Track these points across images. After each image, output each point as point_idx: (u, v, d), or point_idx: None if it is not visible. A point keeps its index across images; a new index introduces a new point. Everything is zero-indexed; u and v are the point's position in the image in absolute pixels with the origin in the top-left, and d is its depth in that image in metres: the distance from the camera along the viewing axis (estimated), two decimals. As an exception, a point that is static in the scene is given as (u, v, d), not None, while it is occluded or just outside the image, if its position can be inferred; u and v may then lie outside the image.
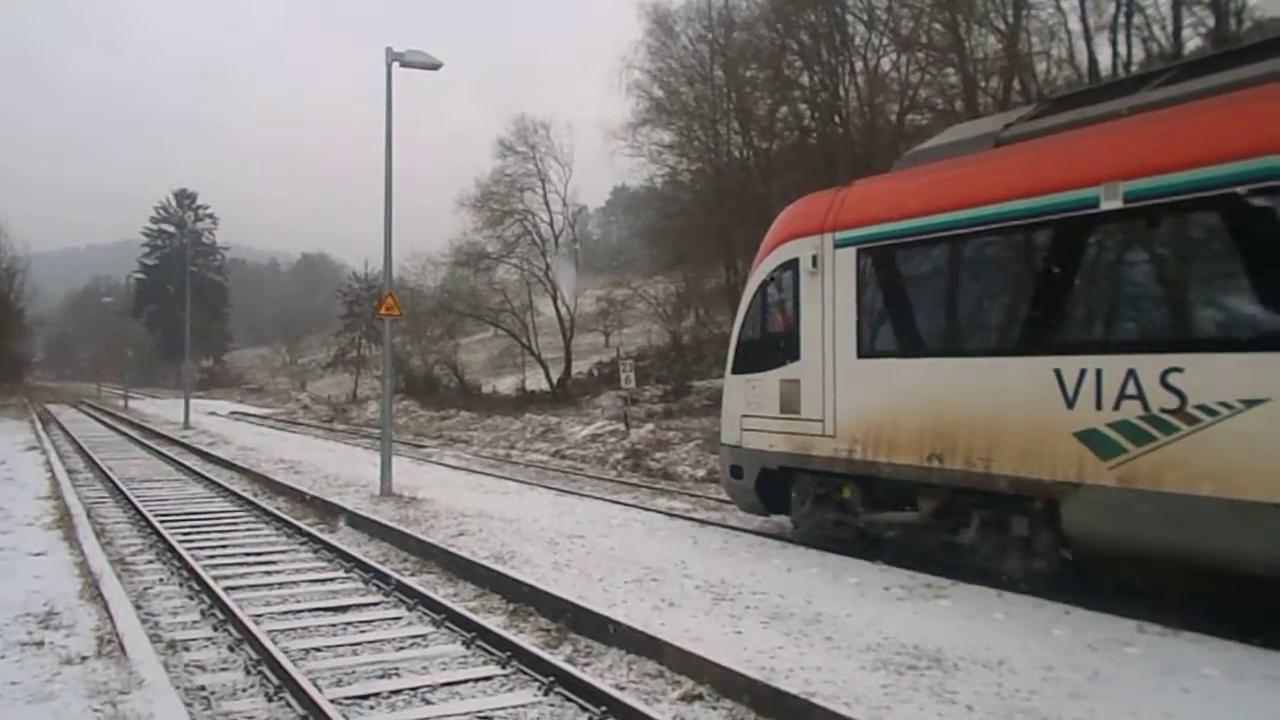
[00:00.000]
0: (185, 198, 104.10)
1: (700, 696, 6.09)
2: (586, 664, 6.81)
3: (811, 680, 5.78)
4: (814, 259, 9.97)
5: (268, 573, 10.13)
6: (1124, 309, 7.68)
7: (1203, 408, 6.64)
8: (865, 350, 9.45)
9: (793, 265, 10.32)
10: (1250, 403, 6.40)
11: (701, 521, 12.57)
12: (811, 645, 6.55)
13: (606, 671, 6.65)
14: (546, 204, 46.30)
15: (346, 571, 10.01)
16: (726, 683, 6.05)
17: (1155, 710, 5.27)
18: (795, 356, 10.22)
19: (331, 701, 5.95)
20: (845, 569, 8.87)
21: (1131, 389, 7.05)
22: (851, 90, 30.76)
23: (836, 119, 30.86)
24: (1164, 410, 6.85)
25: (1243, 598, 6.75)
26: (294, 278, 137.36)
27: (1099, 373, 7.27)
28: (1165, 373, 6.86)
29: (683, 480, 18.51)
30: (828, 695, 5.50)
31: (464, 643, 7.37)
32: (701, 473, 18.56)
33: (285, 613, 8.45)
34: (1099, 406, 7.25)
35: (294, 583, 9.64)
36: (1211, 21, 22.59)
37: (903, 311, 9.32)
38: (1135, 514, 7.05)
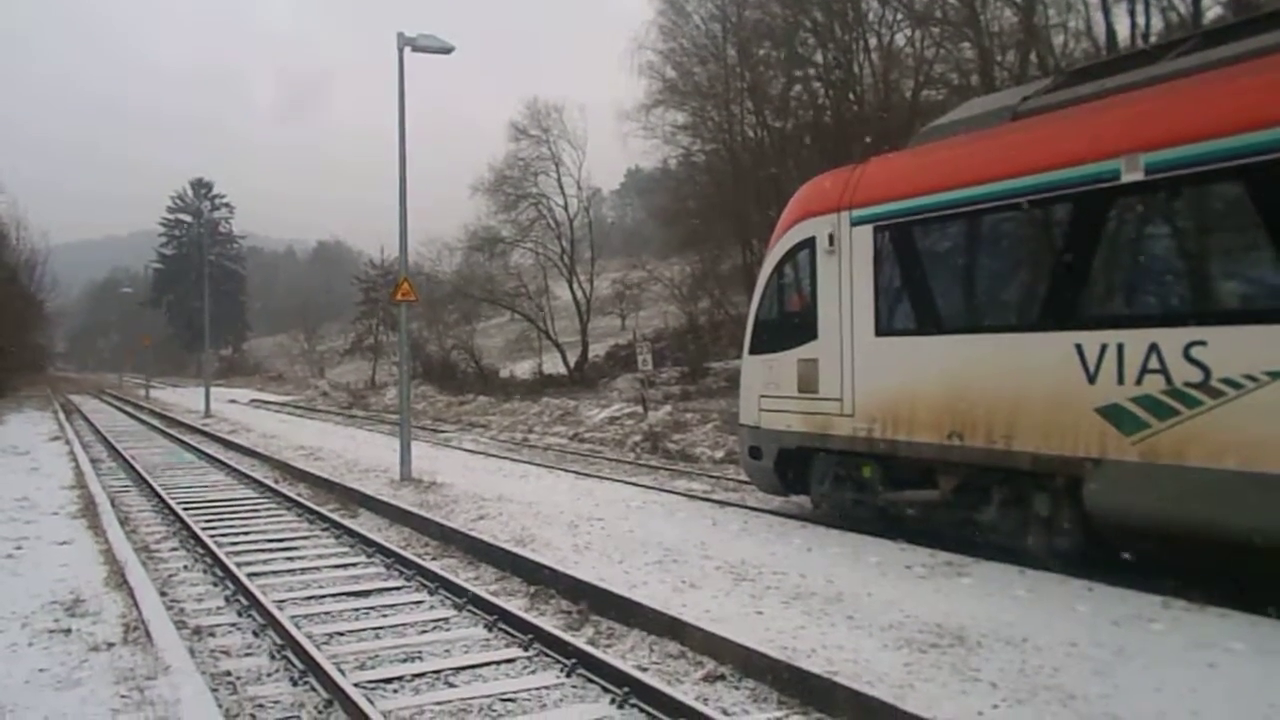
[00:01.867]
0: (201, 187, 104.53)
1: (723, 677, 6.10)
2: (608, 645, 6.83)
3: (834, 660, 5.77)
4: (830, 237, 9.91)
5: (290, 558, 10.21)
6: (1146, 282, 7.60)
7: (1227, 381, 6.57)
8: (883, 328, 9.40)
9: (809, 244, 10.26)
10: (1275, 375, 6.33)
11: (721, 503, 12.57)
12: (833, 625, 6.54)
13: (629, 653, 6.66)
14: (561, 187, 46.26)
15: (368, 556, 10.07)
16: (749, 663, 6.05)
17: (1181, 685, 5.23)
18: (813, 336, 10.17)
19: (355, 685, 6.00)
20: (866, 548, 8.85)
21: (1154, 363, 6.98)
22: (866, 67, 30.53)
23: (851, 96, 30.64)
24: (1187, 384, 6.78)
25: (1268, 572, 6.69)
26: (311, 265, 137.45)
27: (1120, 347, 7.20)
28: (1188, 346, 6.79)
29: (701, 462, 18.50)
30: (850, 674, 5.49)
31: (486, 626, 7.40)
32: (720, 454, 18.53)
33: (308, 598, 8.51)
34: (1121, 381, 7.19)
35: (316, 568, 9.70)
36: (1232, -11, 22.23)
37: (921, 289, 9.24)
38: (1158, 489, 7.00)
